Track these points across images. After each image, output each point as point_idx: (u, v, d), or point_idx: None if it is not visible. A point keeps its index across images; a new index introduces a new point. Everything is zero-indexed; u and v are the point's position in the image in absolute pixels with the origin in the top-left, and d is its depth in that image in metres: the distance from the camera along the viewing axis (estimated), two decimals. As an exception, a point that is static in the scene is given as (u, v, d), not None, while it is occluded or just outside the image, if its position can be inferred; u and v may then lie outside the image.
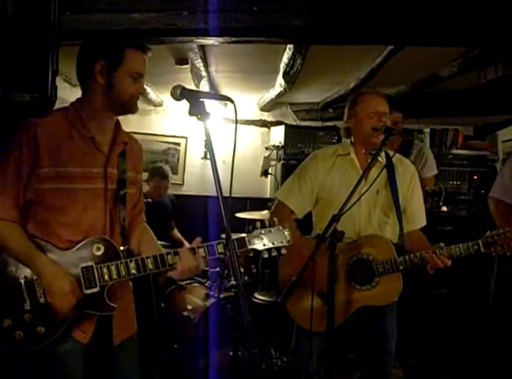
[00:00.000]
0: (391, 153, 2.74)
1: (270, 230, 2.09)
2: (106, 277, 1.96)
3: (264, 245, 2.08)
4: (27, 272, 1.92)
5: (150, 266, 2.00)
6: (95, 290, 1.95)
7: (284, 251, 2.11)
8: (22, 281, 1.91)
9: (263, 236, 2.09)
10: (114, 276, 1.97)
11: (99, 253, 1.98)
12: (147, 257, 2.00)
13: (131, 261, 1.99)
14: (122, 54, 1.99)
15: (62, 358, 1.96)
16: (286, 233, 2.10)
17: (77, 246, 1.97)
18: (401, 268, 2.56)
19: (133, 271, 1.99)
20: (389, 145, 3.92)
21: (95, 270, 1.95)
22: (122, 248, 2.06)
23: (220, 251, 2.08)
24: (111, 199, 2.06)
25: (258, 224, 2.10)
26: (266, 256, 2.12)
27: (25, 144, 1.90)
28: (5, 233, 1.92)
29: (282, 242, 2.10)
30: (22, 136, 1.92)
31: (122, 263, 1.98)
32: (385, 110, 2.71)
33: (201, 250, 2.06)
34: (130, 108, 2.07)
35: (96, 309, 1.99)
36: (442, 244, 2.55)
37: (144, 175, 5.34)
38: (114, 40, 2.03)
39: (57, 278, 1.90)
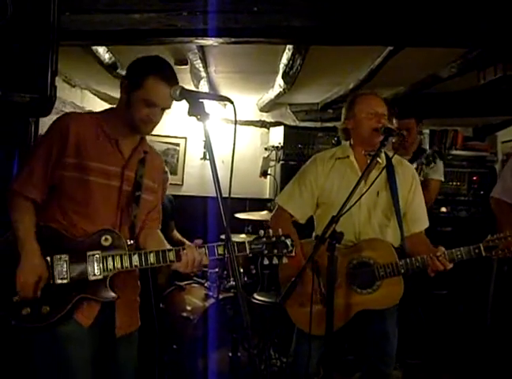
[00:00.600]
0: (390, 154, 2.73)
1: (273, 240, 2.18)
2: (110, 266, 2.10)
3: (265, 252, 2.17)
4: (54, 252, 2.08)
5: (152, 260, 2.12)
6: (99, 277, 2.09)
7: (285, 260, 2.16)
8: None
9: (265, 244, 2.17)
10: (118, 266, 2.11)
11: (107, 243, 2.12)
12: (150, 252, 2.14)
13: (134, 254, 2.13)
14: (144, 79, 2.10)
15: (65, 339, 2.06)
16: (289, 243, 2.18)
17: (88, 236, 2.12)
18: (402, 271, 2.55)
19: (136, 263, 2.12)
20: (404, 151, 3.98)
21: (100, 259, 2.09)
22: (130, 242, 2.20)
23: (219, 252, 2.17)
24: (124, 198, 2.21)
25: (261, 233, 2.19)
26: (267, 262, 2.17)
27: (57, 134, 2.10)
28: (22, 211, 2.10)
29: (284, 251, 2.18)
30: (56, 127, 2.13)
31: (125, 254, 2.12)
32: (383, 112, 2.70)
33: (202, 250, 2.17)
34: (140, 130, 2.22)
35: (98, 296, 2.10)
36: (442, 248, 2.54)
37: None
38: (145, 64, 2.16)
39: (29, 268, 2.03)
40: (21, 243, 2.05)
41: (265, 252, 2.16)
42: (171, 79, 2.11)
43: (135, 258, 2.11)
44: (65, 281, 2.07)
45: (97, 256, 2.09)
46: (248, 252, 2.17)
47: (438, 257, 2.49)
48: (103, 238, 2.12)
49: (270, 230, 2.18)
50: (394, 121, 4.02)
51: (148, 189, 2.30)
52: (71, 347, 2.07)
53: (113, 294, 2.11)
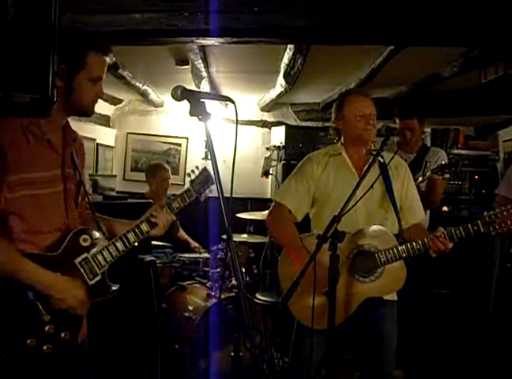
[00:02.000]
0: (389, 156, 2.74)
1: (203, 175, 2.37)
2: (103, 263, 2.02)
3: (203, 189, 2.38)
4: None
5: (132, 239, 2.11)
6: (98, 278, 2.01)
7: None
8: (32, 296, 1.84)
9: (202, 183, 2.37)
10: (109, 259, 2.04)
11: (88, 243, 2.01)
12: (127, 232, 2.11)
13: (117, 240, 2.08)
14: (85, 57, 1.93)
15: (69, 365, 1.97)
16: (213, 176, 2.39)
17: (63, 245, 1.95)
18: (404, 255, 2.55)
19: (122, 248, 2.08)
20: (408, 149, 3.98)
21: (91, 260, 2.00)
22: None
23: (176, 206, 2.26)
24: (70, 198, 2.04)
25: (191, 174, 2.38)
26: (203, 199, 2.41)
27: None
28: None
29: (209, 183, 2.39)
30: None
31: (110, 245, 2.06)
32: (371, 112, 2.74)
33: (165, 209, 2.24)
34: (88, 113, 2.04)
35: (106, 295, 2.05)
36: (441, 228, 2.55)
37: (141, 176, 5.36)
38: (77, 43, 1.96)
39: (56, 282, 1.88)
40: (19, 274, 1.80)
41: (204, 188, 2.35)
42: (104, 47, 2.00)
43: (119, 244, 2.07)
44: None
45: (87, 258, 1.98)
46: (194, 195, 2.31)
47: (439, 237, 2.51)
48: (81, 239, 1.99)
49: (195, 169, 2.38)
50: (397, 121, 4.03)
51: (85, 179, 2.16)
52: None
53: (117, 286, 2.07)
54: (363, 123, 2.71)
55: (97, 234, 2.06)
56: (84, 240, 2.00)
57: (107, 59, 2.00)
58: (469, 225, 2.50)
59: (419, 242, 2.54)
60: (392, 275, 2.61)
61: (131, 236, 2.11)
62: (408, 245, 2.55)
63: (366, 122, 2.71)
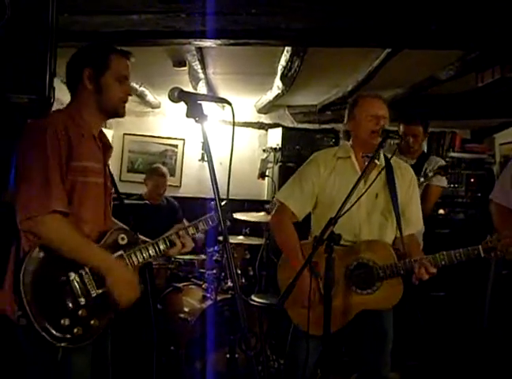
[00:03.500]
0: (389, 155, 2.74)
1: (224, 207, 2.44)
2: (135, 262, 2.18)
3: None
4: (71, 268, 2.00)
5: (162, 246, 2.26)
6: None
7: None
8: (73, 279, 2.00)
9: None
10: (140, 260, 2.20)
11: (124, 242, 2.18)
12: (158, 240, 2.26)
13: (149, 245, 2.23)
14: (108, 59, 2.11)
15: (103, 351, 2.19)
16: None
17: (104, 239, 2.13)
18: (402, 272, 2.55)
19: (152, 253, 2.23)
20: (409, 155, 3.99)
21: (126, 258, 2.16)
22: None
23: (191, 232, 2.44)
24: (107, 193, 2.23)
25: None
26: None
27: (61, 138, 1.97)
28: (73, 230, 1.99)
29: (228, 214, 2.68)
30: (54, 130, 1.97)
31: (143, 248, 2.22)
32: (384, 114, 2.70)
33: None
34: (119, 112, 2.20)
35: None
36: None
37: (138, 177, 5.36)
38: (100, 47, 2.16)
39: (125, 272, 2.10)
40: (90, 258, 2.02)
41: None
42: (125, 51, 2.19)
43: (151, 249, 2.22)
44: (102, 289, 2.05)
45: (123, 256, 2.15)
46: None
47: (421, 260, 2.50)
48: (120, 237, 2.17)
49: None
50: (401, 126, 4.03)
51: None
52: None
53: (141, 286, 2.22)
54: (373, 124, 2.66)
55: (133, 236, 2.24)
56: (122, 238, 2.17)
57: (129, 62, 2.18)
58: (469, 249, 2.49)
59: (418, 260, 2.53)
60: (389, 290, 2.60)
61: (161, 243, 2.26)
62: (407, 262, 2.55)
63: (376, 123, 2.66)
